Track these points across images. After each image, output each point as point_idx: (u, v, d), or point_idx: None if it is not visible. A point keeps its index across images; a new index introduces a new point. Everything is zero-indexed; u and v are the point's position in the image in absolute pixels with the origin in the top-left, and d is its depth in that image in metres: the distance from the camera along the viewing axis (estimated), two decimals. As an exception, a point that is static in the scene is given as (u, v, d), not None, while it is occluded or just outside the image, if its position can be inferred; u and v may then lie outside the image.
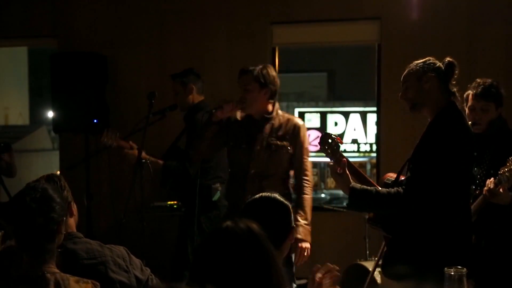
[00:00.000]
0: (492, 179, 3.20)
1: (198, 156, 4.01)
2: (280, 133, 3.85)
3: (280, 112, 3.93)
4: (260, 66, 3.85)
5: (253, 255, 1.72)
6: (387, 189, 2.94)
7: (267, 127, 3.85)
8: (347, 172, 2.99)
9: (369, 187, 2.99)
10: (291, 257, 3.71)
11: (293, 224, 2.44)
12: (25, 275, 2.09)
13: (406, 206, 2.88)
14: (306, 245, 3.74)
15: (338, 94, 17.15)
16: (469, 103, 3.55)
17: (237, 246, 1.73)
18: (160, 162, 4.58)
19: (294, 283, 3.77)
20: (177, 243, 4.61)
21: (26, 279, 2.08)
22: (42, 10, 6.08)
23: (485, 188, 3.23)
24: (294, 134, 3.86)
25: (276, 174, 3.83)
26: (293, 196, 3.90)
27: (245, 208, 2.46)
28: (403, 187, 2.90)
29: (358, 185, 2.99)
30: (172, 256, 4.65)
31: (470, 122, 3.28)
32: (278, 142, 3.83)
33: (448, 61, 2.99)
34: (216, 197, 4.44)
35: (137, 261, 2.52)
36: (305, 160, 3.89)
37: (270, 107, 3.88)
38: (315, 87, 16.99)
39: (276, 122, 3.86)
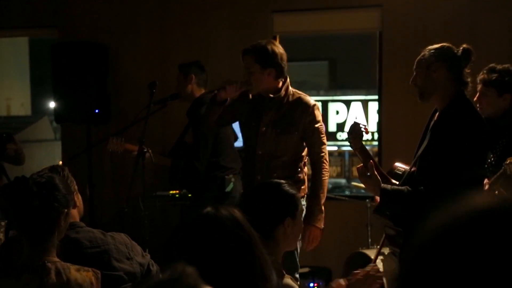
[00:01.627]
0: (486, 180, 3.09)
1: (210, 128, 3.92)
2: (288, 112, 3.62)
3: (291, 90, 3.68)
4: (262, 44, 3.61)
5: (233, 242, 1.70)
6: (411, 187, 2.83)
7: (275, 106, 3.63)
8: (376, 173, 2.90)
9: (400, 187, 2.88)
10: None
11: (291, 213, 2.34)
12: (26, 264, 2.10)
13: (433, 204, 2.74)
14: (313, 230, 3.53)
15: (339, 83, 17.09)
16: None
17: (217, 232, 1.72)
18: (168, 160, 4.60)
19: (297, 272, 3.59)
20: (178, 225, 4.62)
21: (27, 268, 2.09)
22: (42, 0, 6.07)
23: None
24: (304, 113, 3.60)
25: (285, 156, 3.61)
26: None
27: (244, 193, 2.45)
28: (425, 185, 2.79)
29: (388, 186, 2.89)
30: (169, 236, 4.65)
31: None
32: (286, 123, 3.61)
33: (464, 48, 2.93)
34: (229, 188, 4.42)
35: (138, 248, 2.54)
36: (318, 140, 3.62)
37: (279, 85, 3.65)
38: (316, 75, 16.90)
39: (284, 101, 3.64)
